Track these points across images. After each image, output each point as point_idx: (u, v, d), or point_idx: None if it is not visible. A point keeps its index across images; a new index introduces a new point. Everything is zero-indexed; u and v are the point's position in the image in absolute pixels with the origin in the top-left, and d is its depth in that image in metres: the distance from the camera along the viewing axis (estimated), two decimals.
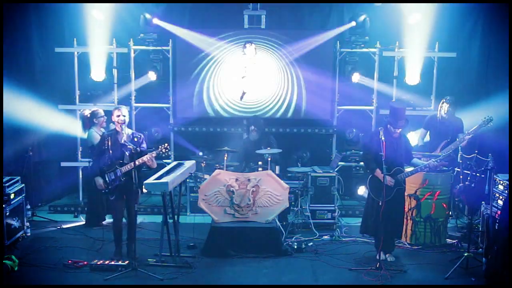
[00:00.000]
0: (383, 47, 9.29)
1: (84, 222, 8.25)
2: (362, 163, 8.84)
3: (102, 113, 8.05)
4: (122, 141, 6.56)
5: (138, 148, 6.50)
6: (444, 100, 8.03)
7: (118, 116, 6.56)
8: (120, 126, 6.57)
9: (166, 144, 6.61)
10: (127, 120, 6.65)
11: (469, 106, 8.67)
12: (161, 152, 6.57)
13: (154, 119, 9.51)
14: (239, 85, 9.60)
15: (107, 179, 6.56)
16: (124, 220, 6.97)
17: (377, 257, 6.47)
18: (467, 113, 8.43)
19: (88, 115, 8.14)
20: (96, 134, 7.81)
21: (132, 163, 6.37)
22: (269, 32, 9.46)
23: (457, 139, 7.77)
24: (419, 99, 9.33)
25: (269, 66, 9.57)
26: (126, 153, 6.52)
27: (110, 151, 6.56)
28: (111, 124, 7.20)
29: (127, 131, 6.66)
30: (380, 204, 6.40)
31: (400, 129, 6.59)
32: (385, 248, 6.66)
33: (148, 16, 9.26)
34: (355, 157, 9.47)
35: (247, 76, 9.57)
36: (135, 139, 6.63)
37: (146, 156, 6.47)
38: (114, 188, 6.57)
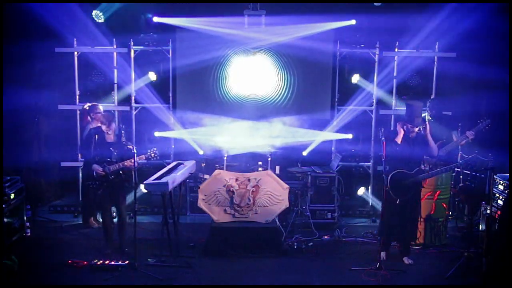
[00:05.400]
0: (383, 47, 9.29)
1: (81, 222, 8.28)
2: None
3: (101, 109, 7.95)
4: (109, 140, 6.76)
5: (126, 147, 6.77)
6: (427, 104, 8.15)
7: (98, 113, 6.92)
8: (102, 124, 6.82)
9: (154, 149, 6.86)
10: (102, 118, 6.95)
11: (469, 107, 8.66)
12: (150, 156, 6.84)
13: (154, 119, 9.50)
14: (240, 85, 9.59)
15: (95, 174, 6.71)
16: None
17: (377, 257, 6.47)
18: (467, 113, 8.42)
19: (87, 108, 8.07)
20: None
21: (119, 164, 6.61)
22: (269, 32, 9.44)
23: (454, 139, 7.74)
24: (419, 99, 9.30)
25: (270, 66, 9.56)
26: (114, 152, 6.70)
27: (98, 149, 6.73)
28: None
29: (113, 128, 6.82)
30: (397, 202, 6.39)
31: (417, 128, 6.53)
32: (403, 252, 6.76)
33: (148, 15, 9.26)
34: (355, 157, 9.46)
35: (248, 76, 9.56)
36: (122, 139, 6.88)
37: (131, 159, 6.58)
38: (100, 184, 6.71)
